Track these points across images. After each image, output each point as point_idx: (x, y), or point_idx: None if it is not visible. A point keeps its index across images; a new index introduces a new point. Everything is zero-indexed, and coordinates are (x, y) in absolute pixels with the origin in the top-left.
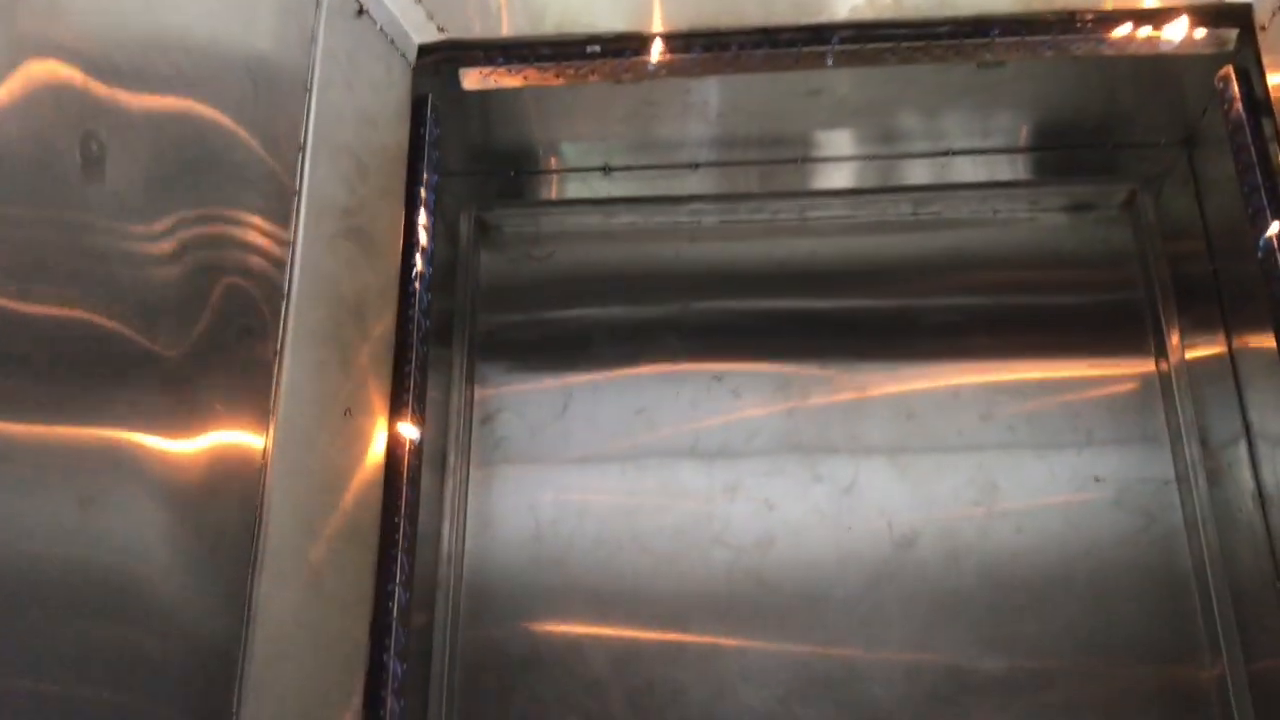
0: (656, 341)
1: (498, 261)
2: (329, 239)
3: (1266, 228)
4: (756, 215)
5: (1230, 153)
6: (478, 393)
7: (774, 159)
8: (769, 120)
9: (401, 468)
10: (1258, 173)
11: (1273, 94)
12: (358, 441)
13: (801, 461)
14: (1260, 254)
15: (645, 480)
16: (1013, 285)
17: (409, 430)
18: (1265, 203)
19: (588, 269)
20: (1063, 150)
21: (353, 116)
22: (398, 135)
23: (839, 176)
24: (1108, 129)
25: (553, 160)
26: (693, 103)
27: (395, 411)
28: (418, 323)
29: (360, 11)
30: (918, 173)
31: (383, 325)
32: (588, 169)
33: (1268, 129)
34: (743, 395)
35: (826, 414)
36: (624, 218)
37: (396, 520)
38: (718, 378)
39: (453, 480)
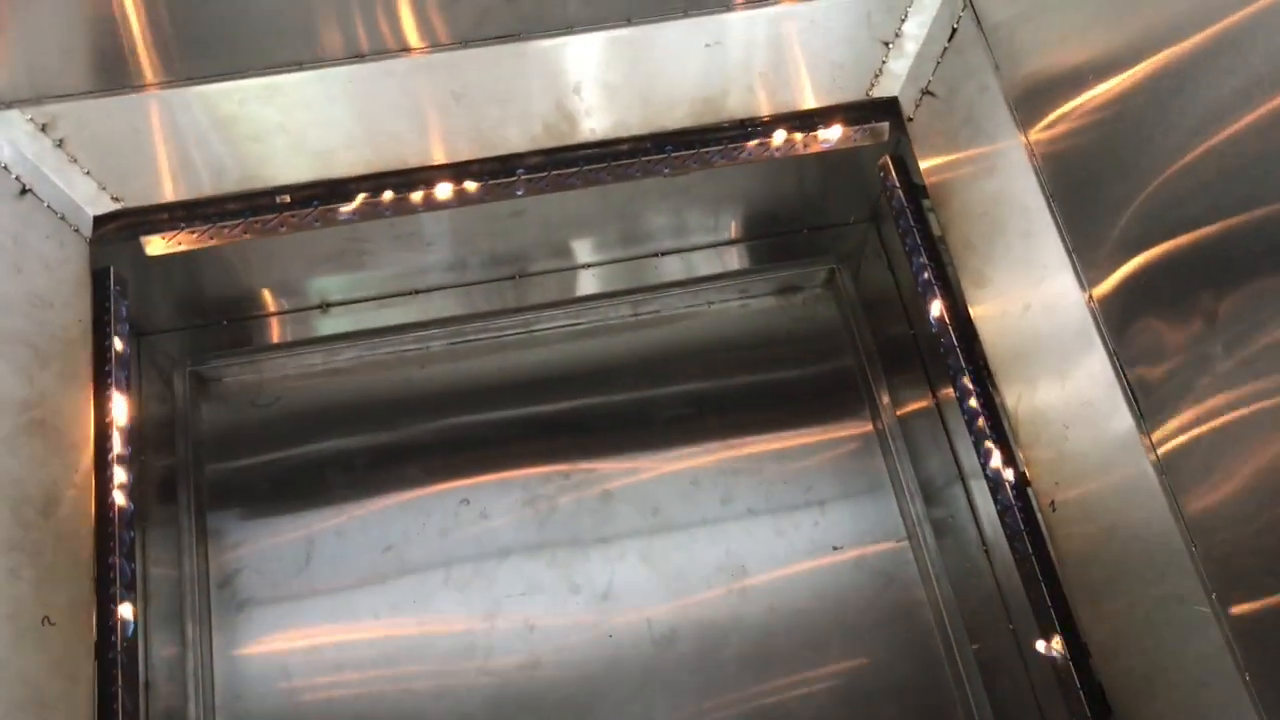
0: (397, 472)
1: (220, 413)
2: (6, 438)
3: (934, 302)
4: (483, 334)
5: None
6: (212, 554)
7: (492, 278)
8: (480, 243)
9: (114, 669)
10: (923, 252)
11: (927, 177)
12: (61, 647)
13: (557, 574)
14: (934, 328)
15: (401, 620)
16: (735, 369)
17: (120, 623)
18: (932, 279)
19: (317, 409)
20: (764, 239)
21: (24, 301)
22: (78, 313)
23: (557, 288)
24: (802, 215)
25: (267, 305)
26: (400, 234)
27: (103, 605)
28: (119, 508)
29: (23, 191)
30: (632, 276)
31: (79, 517)
32: (304, 309)
33: (926, 207)
34: (491, 515)
35: (575, 519)
36: (348, 354)
37: None
38: (464, 500)
39: (193, 655)
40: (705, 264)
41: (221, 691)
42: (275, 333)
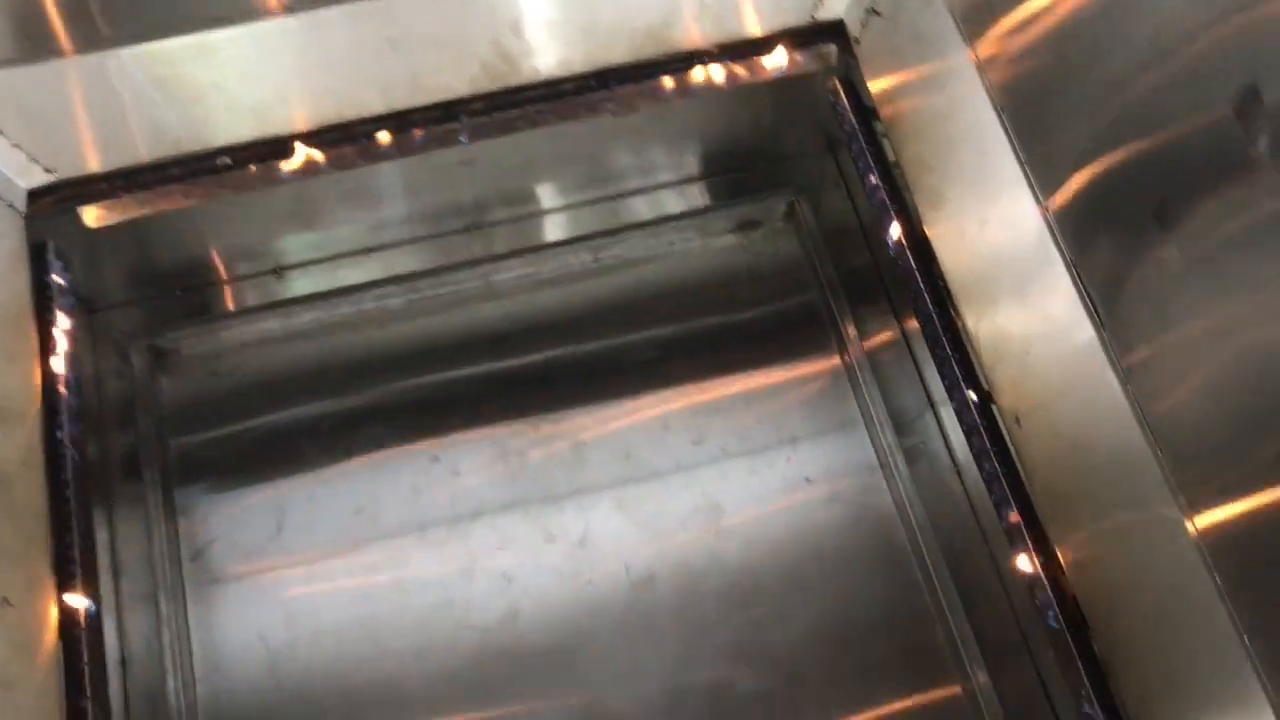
0: (364, 433)
1: (180, 385)
2: None
3: (891, 226)
4: (442, 289)
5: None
6: (182, 527)
7: (447, 230)
8: (432, 195)
9: (79, 644)
10: (876, 174)
11: (877, 99)
12: (21, 628)
13: (532, 525)
14: (892, 252)
15: (377, 580)
16: (700, 310)
17: (81, 601)
18: (887, 202)
19: (279, 374)
20: (721, 175)
21: None
22: (16, 290)
23: (515, 237)
24: (758, 148)
25: (219, 272)
26: (348, 191)
27: (64, 585)
28: (74, 484)
29: None
30: (590, 221)
31: (31, 496)
32: (258, 275)
33: (879, 131)
34: (462, 470)
35: (548, 470)
36: (305, 316)
37: (83, 704)
38: (435, 458)
39: (169, 629)
40: (663, 204)
41: (200, 664)
42: (230, 300)
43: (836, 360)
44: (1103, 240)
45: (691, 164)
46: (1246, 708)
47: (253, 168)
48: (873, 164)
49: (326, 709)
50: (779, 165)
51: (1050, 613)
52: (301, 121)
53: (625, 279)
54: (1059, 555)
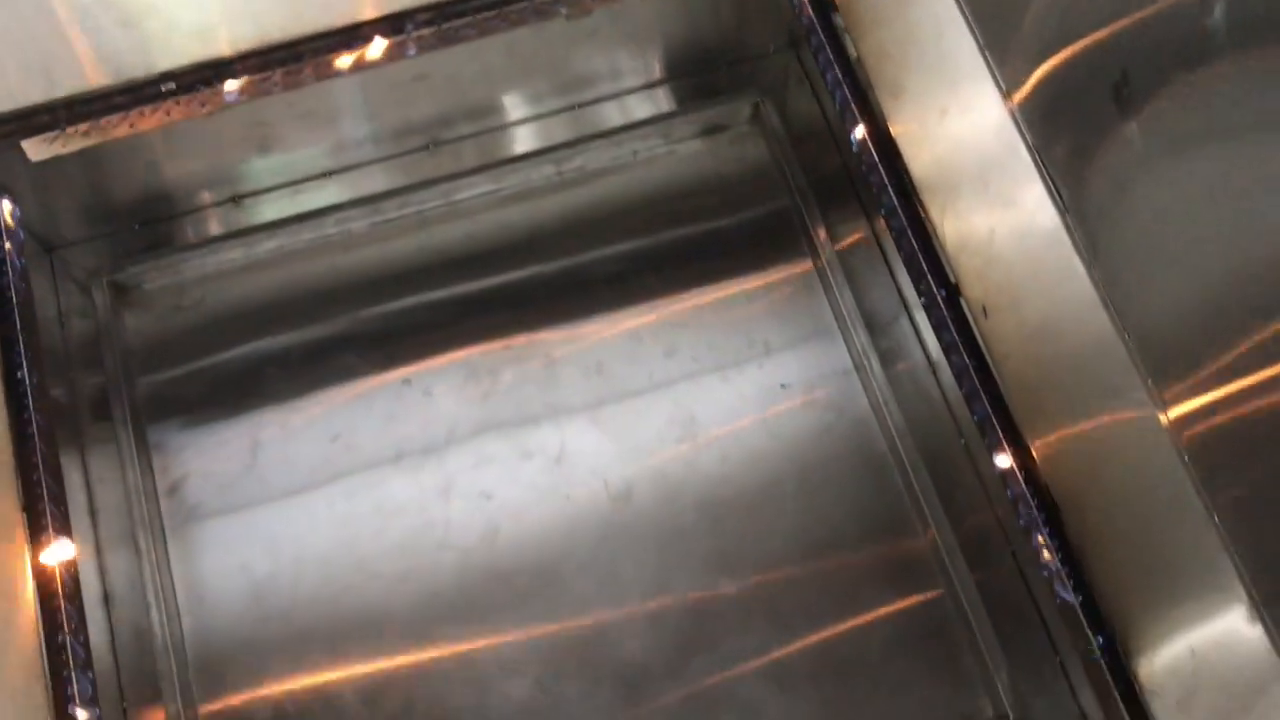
0: (334, 361)
1: (145, 321)
2: None
3: (855, 125)
4: (404, 210)
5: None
6: (156, 463)
7: (405, 150)
8: (388, 114)
9: (53, 581)
10: (836, 68)
11: None
12: None
13: (507, 443)
14: (855, 148)
15: (356, 506)
16: (668, 221)
17: (52, 536)
18: (849, 97)
19: (244, 305)
20: (683, 79)
21: None
22: None
23: (474, 154)
24: (720, 48)
25: (176, 204)
26: (301, 113)
27: (35, 524)
28: (36, 426)
29: None
30: (552, 133)
31: None
32: (216, 204)
33: (839, 25)
34: (434, 393)
35: (521, 389)
36: (267, 244)
37: (61, 639)
38: (406, 382)
39: (149, 564)
40: (626, 112)
41: (184, 597)
42: (189, 231)
43: (808, 265)
44: (1065, 125)
45: (652, 68)
46: (1220, 588)
47: (199, 92)
48: (833, 58)
49: (313, 635)
50: (742, 66)
51: (1023, 503)
52: (245, 41)
53: (590, 192)
54: (1031, 447)
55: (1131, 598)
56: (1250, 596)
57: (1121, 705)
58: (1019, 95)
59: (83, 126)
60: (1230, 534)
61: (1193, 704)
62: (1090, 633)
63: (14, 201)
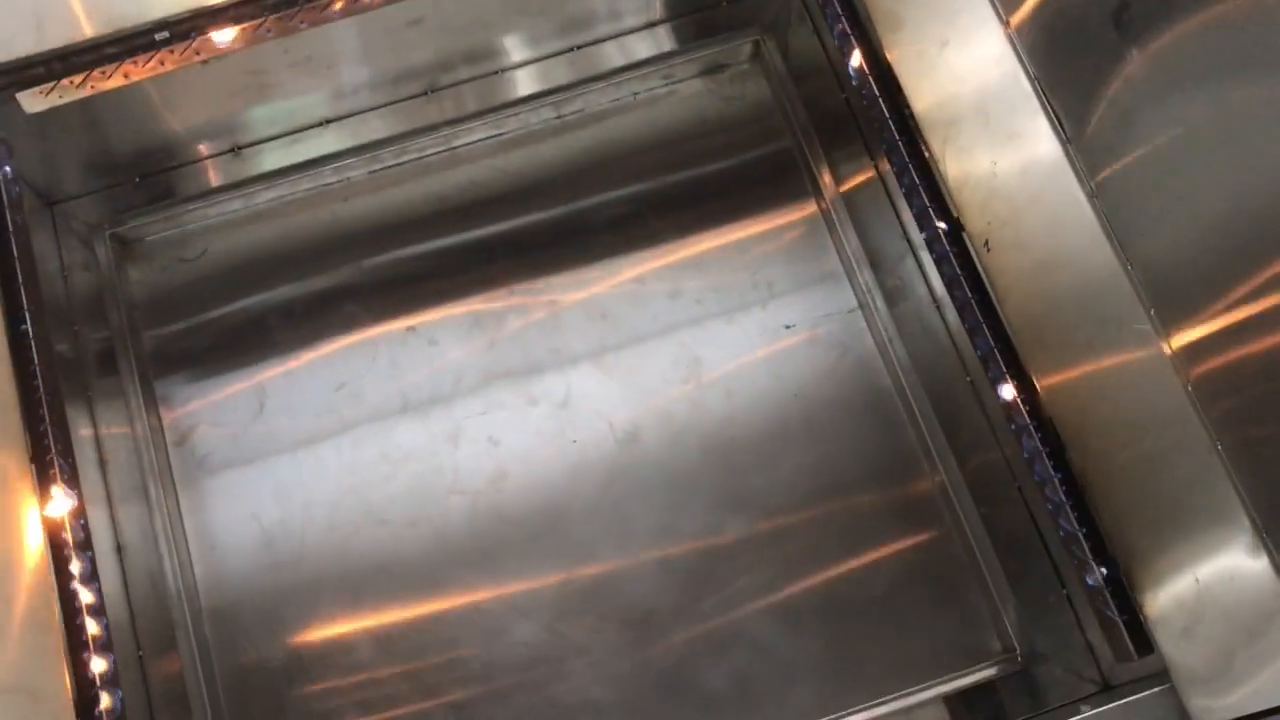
0: (338, 311)
1: (148, 273)
2: None
3: (853, 55)
4: (404, 157)
5: None
6: (165, 415)
7: (402, 96)
8: (384, 60)
9: (61, 530)
10: (836, 3)
11: None
12: (3, 518)
13: (513, 389)
14: (854, 81)
15: (364, 453)
16: (670, 163)
17: (61, 490)
18: (848, 31)
19: (246, 257)
20: (682, 17)
21: None
22: None
23: (473, 99)
24: None
25: (175, 155)
26: (297, 60)
27: (42, 475)
28: (41, 379)
29: None
30: (550, 75)
31: (2, 391)
32: (215, 155)
33: None
34: (439, 341)
35: (525, 336)
36: (267, 195)
37: (73, 586)
38: (410, 330)
39: (160, 514)
40: (624, 52)
41: (196, 545)
42: (190, 183)
43: (811, 204)
44: (1066, 54)
45: (651, 6)
46: (1224, 518)
47: (192, 40)
48: None
49: (324, 580)
50: (741, 3)
51: (1027, 436)
52: None
53: (591, 135)
54: (1035, 380)
55: (1136, 529)
56: (1255, 526)
57: (1126, 635)
58: (1020, 25)
59: (77, 78)
60: (1234, 465)
61: (1197, 633)
62: (1094, 564)
63: (12, 155)
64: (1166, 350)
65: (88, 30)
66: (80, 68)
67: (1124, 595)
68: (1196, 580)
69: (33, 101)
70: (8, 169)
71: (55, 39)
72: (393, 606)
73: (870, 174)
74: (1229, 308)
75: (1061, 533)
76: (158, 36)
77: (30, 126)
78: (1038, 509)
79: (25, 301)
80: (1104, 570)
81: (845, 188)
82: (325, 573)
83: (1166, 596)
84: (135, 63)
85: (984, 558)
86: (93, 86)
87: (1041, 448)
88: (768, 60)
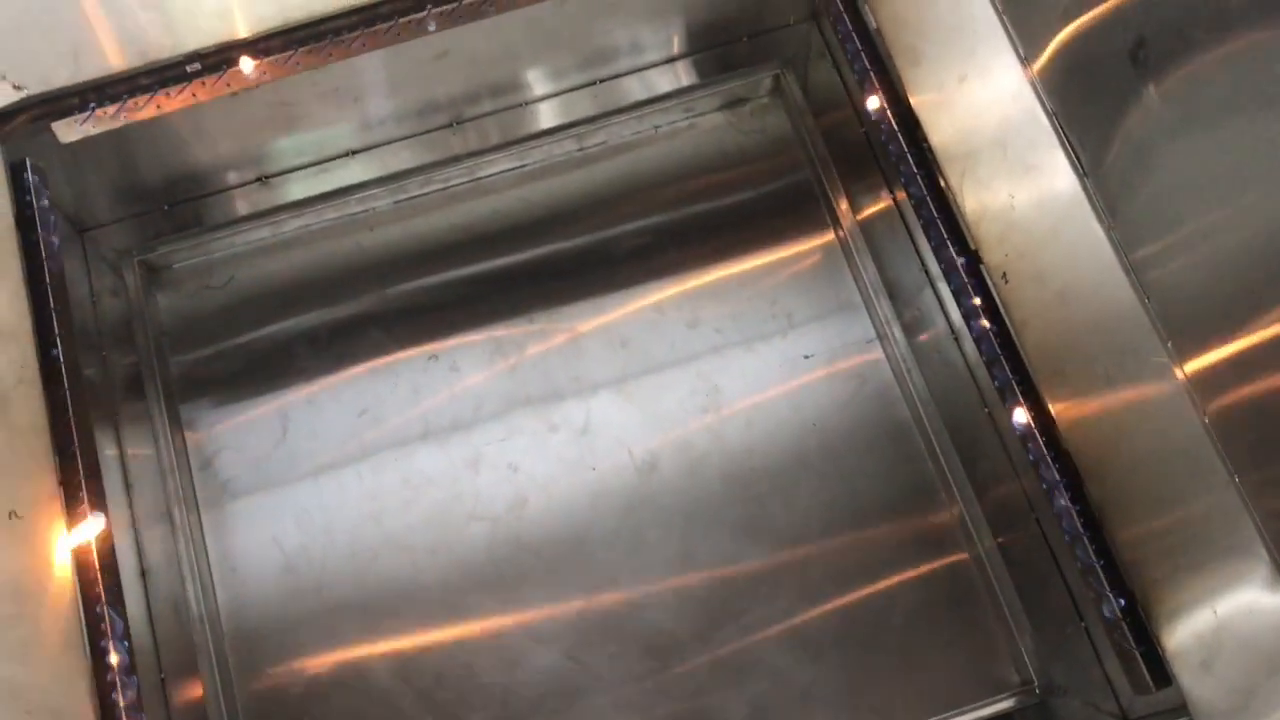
0: (362, 338)
1: (176, 300)
2: None
3: (874, 94)
4: (428, 187)
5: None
6: (189, 439)
7: (428, 128)
8: (410, 91)
9: (89, 553)
10: (855, 38)
11: None
12: (31, 540)
13: (534, 416)
14: (874, 116)
15: (385, 478)
16: (691, 194)
17: (88, 511)
18: (868, 67)
19: (272, 284)
20: (705, 52)
21: None
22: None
23: (497, 131)
24: (740, 21)
25: (204, 184)
26: (325, 92)
27: (71, 498)
28: (72, 400)
29: None
30: (573, 108)
31: (30, 413)
32: (243, 185)
33: None
34: (461, 367)
35: (546, 363)
36: (294, 223)
37: (99, 609)
38: (432, 357)
39: (183, 537)
40: (646, 86)
41: (218, 569)
42: (218, 211)
43: (830, 236)
44: (1084, 90)
45: (672, 42)
46: (1242, 551)
47: (223, 72)
48: (851, 28)
49: (344, 605)
50: (762, 39)
51: (1044, 467)
52: (268, 21)
53: (613, 167)
54: (1052, 411)
55: (1154, 562)
56: (1273, 560)
57: (1144, 667)
58: (1037, 60)
59: (110, 108)
60: (1252, 498)
61: (1216, 666)
62: (1112, 595)
63: (46, 183)
64: (1184, 383)
65: (122, 62)
66: (114, 98)
67: (1142, 627)
68: (1215, 613)
69: (67, 131)
70: (45, 200)
71: (91, 71)
72: (412, 632)
73: (887, 204)
74: (1246, 341)
75: (1079, 564)
76: (189, 68)
77: (64, 155)
78: (1055, 540)
79: (57, 327)
80: (1121, 602)
81: (862, 217)
82: (345, 598)
83: (1185, 629)
84: (168, 94)
85: (1002, 588)
86: (126, 117)
87: (1059, 479)
88: (788, 94)
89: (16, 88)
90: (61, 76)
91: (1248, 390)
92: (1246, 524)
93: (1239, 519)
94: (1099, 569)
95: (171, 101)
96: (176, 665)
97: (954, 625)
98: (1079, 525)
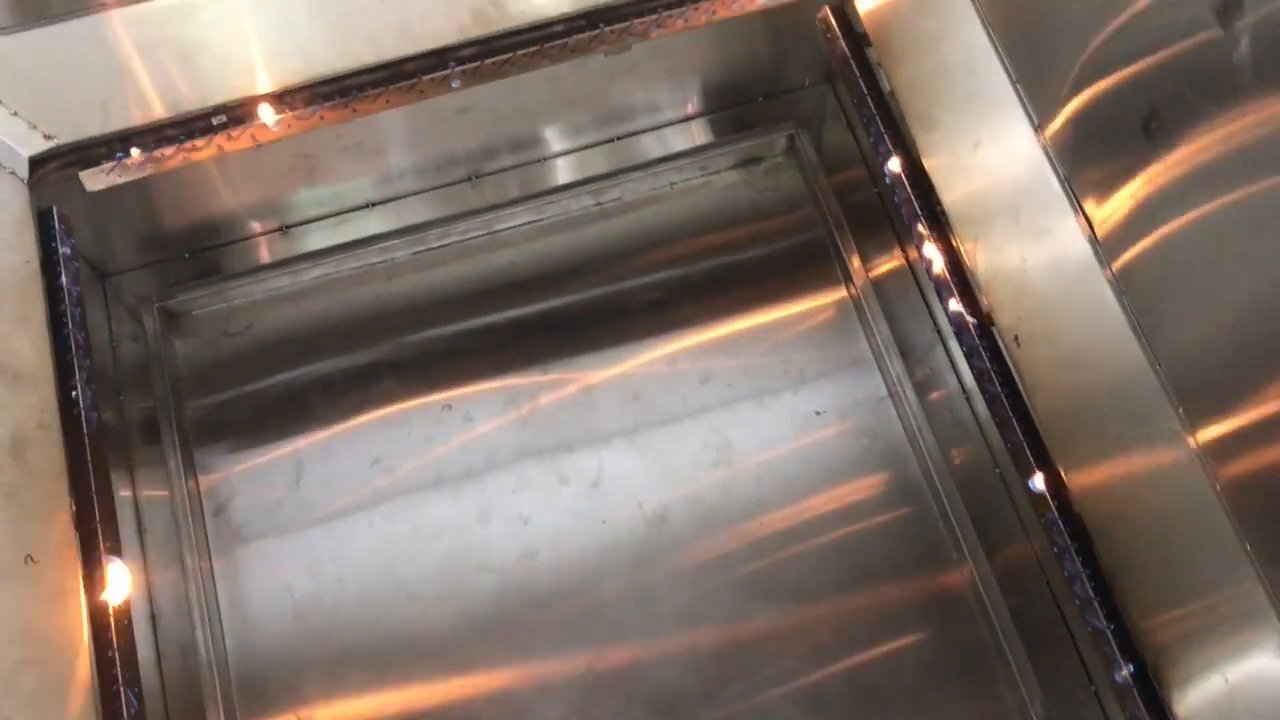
0: (376, 386)
1: (194, 346)
2: None
3: (889, 158)
4: (446, 239)
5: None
6: (203, 484)
7: (448, 181)
8: (431, 146)
9: (105, 602)
10: (869, 103)
11: (868, 24)
12: (47, 583)
13: (546, 468)
14: (888, 180)
15: (396, 527)
16: (704, 250)
17: (103, 556)
18: (883, 131)
19: (289, 332)
20: (721, 111)
21: None
22: (24, 256)
23: (515, 185)
24: (756, 82)
25: (225, 233)
26: (348, 145)
27: (87, 545)
28: (90, 444)
29: None
30: (590, 165)
31: (49, 457)
32: (264, 234)
33: (872, 58)
34: (474, 417)
35: (559, 414)
36: (314, 273)
37: (110, 654)
38: (446, 406)
39: (195, 584)
40: (663, 144)
41: (228, 615)
42: (238, 259)
43: (843, 293)
44: (1096, 157)
45: (690, 102)
46: (1254, 619)
47: (249, 125)
48: (866, 92)
49: (353, 654)
50: (777, 99)
51: (1055, 531)
52: (293, 76)
53: (628, 222)
54: (1064, 475)
55: (1165, 627)
56: None
57: None
58: (1050, 127)
59: (138, 158)
60: (1264, 565)
61: None
62: (1122, 660)
63: (70, 230)
64: (1195, 448)
65: (151, 114)
66: (142, 148)
67: (1152, 693)
68: (1226, 680)
69: (94, 180)
70: (68, 248)
71: (120, 121)
72: (420, 684)
73: (899, 263)
74: (1257, 407)
75: (1089, 628)
76: (215, 120)
77: (88, 203)
78: (1066, 603)
79: (78, 373)
80: (1132, 667)
81: (875, 276)
82: (354, 647)
83: (1196, 696)
84: (194, 145)
85: (1012, 651)
86: (152, 167)
87: (1070, 542)
88: (802, 154)
89: (47, 137)
90: (92, 127)
91: (1260, 458)
92: (1258, 591)
93: (1251, 586)
94: (1109, 634)
95: (198, 153)
96: (184, 712)
97: (964, 687)
98: (1090, 590)
